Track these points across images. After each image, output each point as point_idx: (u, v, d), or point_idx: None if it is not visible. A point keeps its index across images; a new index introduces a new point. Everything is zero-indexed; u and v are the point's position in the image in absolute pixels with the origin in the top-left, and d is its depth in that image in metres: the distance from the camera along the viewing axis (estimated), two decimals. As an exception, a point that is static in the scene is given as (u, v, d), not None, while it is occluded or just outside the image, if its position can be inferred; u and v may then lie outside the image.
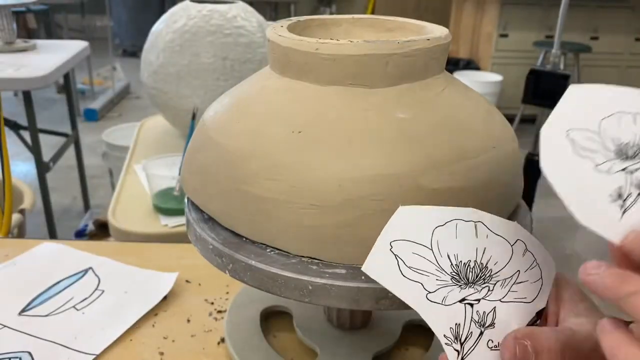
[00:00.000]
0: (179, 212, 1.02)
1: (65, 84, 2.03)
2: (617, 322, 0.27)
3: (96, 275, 0.68)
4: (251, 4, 1.48)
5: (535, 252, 0.32)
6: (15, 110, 3.16)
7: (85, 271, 0.68)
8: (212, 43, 1.20)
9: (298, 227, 0.39)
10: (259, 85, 0.46)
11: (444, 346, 0.30)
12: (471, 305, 0.30)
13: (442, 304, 0.30)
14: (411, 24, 0.50)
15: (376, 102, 0.41)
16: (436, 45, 0.43)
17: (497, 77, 3.37)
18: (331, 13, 5.08)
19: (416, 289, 0.31)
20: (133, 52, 4.89)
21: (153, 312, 0.61)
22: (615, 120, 0.28)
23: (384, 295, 0.38)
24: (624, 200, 0.27)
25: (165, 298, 0.63)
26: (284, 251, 0.41)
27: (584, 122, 0.28)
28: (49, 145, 1.99)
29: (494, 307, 0.30)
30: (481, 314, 0.30)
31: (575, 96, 0.28)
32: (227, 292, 0.65)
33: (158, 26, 1.28)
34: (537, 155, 1.71)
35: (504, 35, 3.43)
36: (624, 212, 0.27)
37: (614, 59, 3.53)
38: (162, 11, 1.85)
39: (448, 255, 0.30)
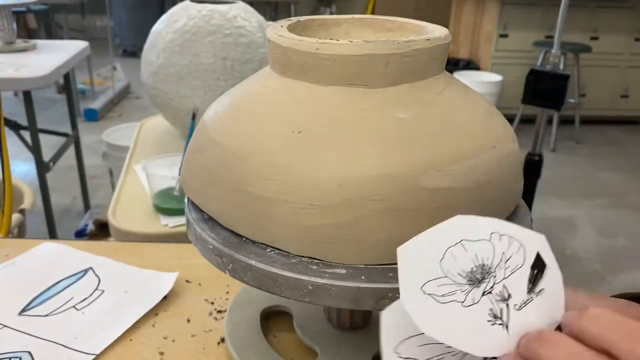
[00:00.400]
0: (179, 212, 1.02)
1: (66, 84, 2.03)
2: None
3: (96, 275, 0.68)
4: (251, 4, 1.48)
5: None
6: (15, 110, 3.17)
7: (86, 271, 0.68)
8: (212, 43, 1.20)
9: (298, 227, 0.39)
10: (259, 85, 0.46)
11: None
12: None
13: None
14: (411, 24, 0.50)
15: (376, 102, 0.41)
16: (436, 46, 0.43)
17: (497, 77, 3.37)
18: (331, 13, 5.08)
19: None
20: (133, 52, 4.90)
21: (153, 312, 0.62)
22: (450, 257, 0.29)
23: (384, 295, 0.38)
24: (501, 316, 0.29)
25: (165, 298, 0.63)
26: (284, 251, 0.41)
27: (428, 273, 0.29)
28: (49, 145, 2.00)
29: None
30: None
31: (407, 258, 0.29)
32: (227, 292, 0.65)
33: (158, 26, 1.28)
34: (537, 155, 1.71)
35: (504, 36, 3.44)
36: (507, 326, 0.29)
37: (613, 59, 3.53)
38: (162, 11, 1.85)
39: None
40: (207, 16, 1.21)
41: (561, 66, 2.99)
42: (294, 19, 0.50)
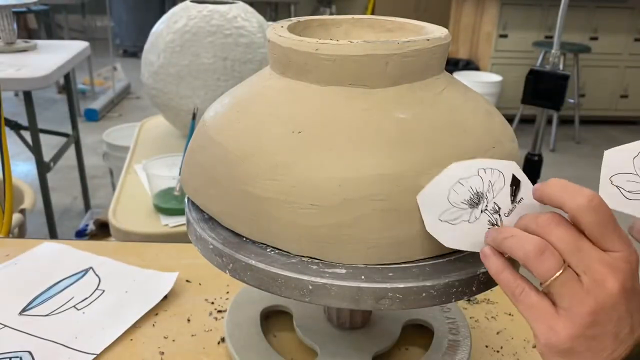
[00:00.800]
0: (180, 212, 1.02)
1: (66, 84, 2.03)
2: (494, 249, 0.37)
3: (96, 275, 0.68)
4: (251, 4, 1.48)
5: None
6: (16, 110, 3.17)
7: (86, 271, 0.68)
8: (213, 43, 1.20)
9: (298, 227, 0.39)
10: (259, 85, 0.46)
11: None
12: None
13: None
14: (411, 25, 0.50)
15: (376, 102, 0.41)
16: (436, 46, 0.43)
17: (497, 78, 3.37)
18: (331, 13, 5.08)
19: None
20: (133, 52, 4.90)
21: (153, 311, 0.62)
22: (453, 193, 0.38)
23: (384, 295, 0.38)
24: (496, 223, 0.39)
25: (165, 298, 0.63)
26: (284, 251, 0.41)
27: (441, 208, 0.38)
28: (49, 145, 2.00)
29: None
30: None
31: (424, 202, 0.38)
32: (228, 292, 0.66)
33: (158, 26, 1.28)
34: (537, 155, 1.71)
35: (504, 36, 3.44)
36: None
37: (613, 59, 3.53)
38: (163, 11, 1.86)
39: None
40: (207, 16, 1.22)
41: (561, 66, 2.99)
42: (294, 19, 0.50)
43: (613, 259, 0.33)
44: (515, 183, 0.39)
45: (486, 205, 0.38)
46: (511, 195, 0.39)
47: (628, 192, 0.38)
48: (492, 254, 0.37)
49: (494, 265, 0.36)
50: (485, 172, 0.38)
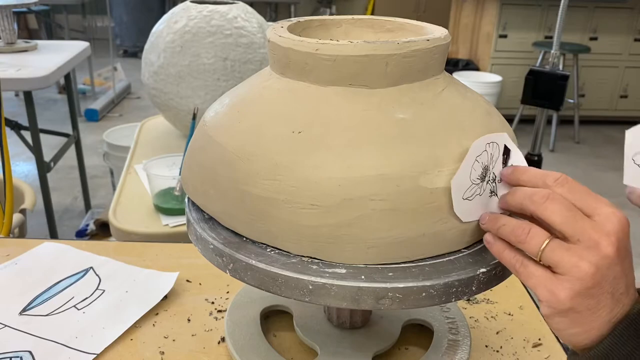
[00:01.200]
0: (180, 212, 1.02)
1: (66, 84, 2.03)
2: (494, 235, 0.40)
3: (97, 274, 0.68)
4: (251, 4, 1.48)
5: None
6: (16, 110, 3.17)
7: (86, 271, 0.68)
8: (213, 44, 1.20)
9: (298, 227, 0.40)
10: (259, 85, 0.47)
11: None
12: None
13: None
14: (411, 25, 0.50)
15: (376, 102, 0.42)
16: (436, 46, 0.43)
17: (496, 78, 3.37)
18: (331, 14, 5.08)
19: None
20: (134, 52, 4.90)
21: (154, 311, 0.62)
22: (473, 170, 0.41)
23: (384, 295, 0.38)
24: (495, 191, 0.42)
25: (165, 297, 0.63)
26: (284, 251, 0.41)
27: (465, 188, 0.41)
28: (49, 145, 2.00)
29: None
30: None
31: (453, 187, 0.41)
32: (228, 292, 0.66)
33: (159, 27, 1.28)
34: (537, 155, 1.71)
35: (503, 36, 3.43)
36: (497, 195, 0.42)
37: (612, 59, 3.53)
38: (163, 12, 1.86)
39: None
40: (207, 17, 1.22)
41: (560, 66, 2.99)
42: (294, 19, 0.50)
43: (604, 223, 0.36)
44: (506, 152, 0.42)
45: (490, 177, 0.41)
46: (503, 163, 0.42)
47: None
48: (492, 240, 0.40)
49: (495, 249, 0.40)
50: (490, 146, 0.41)
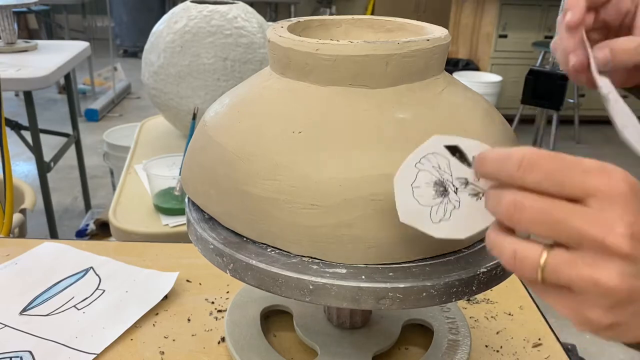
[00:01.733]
0: (180, 212, 1.02)
1: (66, 84, 2.03)
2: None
3: (97, 274, 0.68)
4: (251, 4, 1.48)
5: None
6: (16, 110, 3.17)
7: (86, 271, 0.68)
8: (213, 43, 1.20)
9: (298, 227, 0.40)
10: (259, 85, 0.47)
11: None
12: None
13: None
14: (411, 25, 0.50)
15: (376, 102, 0.42)
16: (436, 46, 0.43)
17: (496, 78, 3.37)
18: (331, 14, 5.08)
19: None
20: (134, 52, 4.90)
21: (154, 311, 0.62)
22: (421, 194, 0.36)
23: (384, 295, 0.38)
24: (478, 193, 0.35)
25: (165, 297, 0.63)
26: (285, 251, 0.41)
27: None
28: (50, 145, 2.00)
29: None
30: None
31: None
32: (228, 292, 0.66)
33: (159, 27, 1.28)
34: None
35: (503, 36, 3.43)
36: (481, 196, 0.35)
37: (614, 59, 3.52)
38: (163, 12, 1.86)
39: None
40: (207, 17, 1.22)
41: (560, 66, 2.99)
42: (294, 19, 0.50)
43: (601, 207, 0.27)
44: (453, 151, 0.36)
45: (454, 185, 0.35)
46: (462, 162, 0.35)
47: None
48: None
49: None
50: (429, 159, 0.36)
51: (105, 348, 0.56)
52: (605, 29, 0.45)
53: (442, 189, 0.36)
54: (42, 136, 1.73)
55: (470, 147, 0.35)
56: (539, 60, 3.22)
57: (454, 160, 0.35)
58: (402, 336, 0.56)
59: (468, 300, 0.66)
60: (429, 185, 0.36)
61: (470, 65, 3.64)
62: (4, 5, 1.71)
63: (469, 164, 0.35)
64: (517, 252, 0.29)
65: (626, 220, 0.26)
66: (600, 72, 0.41)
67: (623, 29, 0.44)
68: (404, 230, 0.39)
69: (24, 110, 1.63)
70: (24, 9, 3.84)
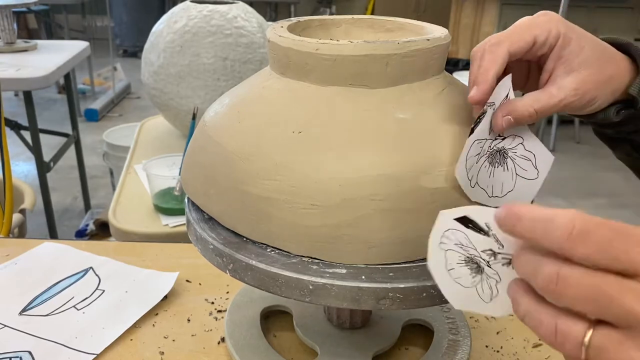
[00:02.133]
0: (180, 212, 1.02)
1: (66, 84, 2.03)
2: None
3: (97, 275, 0.68)
4: (251, 4, 1.48)
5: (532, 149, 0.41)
6: (16, 110, 3.17)
7: (86, 271, 0.68)
8: (213, 43, 1.20)
9: (298, 227, 0.39)
10: (259, 85, 0.47)
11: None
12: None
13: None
14: (411, 25, 0.50)
15: (376, 102, 0.41)
16: (436, 46, 0.43)
17: (497, 78, 3.36)
18: (331, 13, 5.08)
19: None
20: (134, 52, 4.90)
21: (153, 311, 0.62)
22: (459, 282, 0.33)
23: (384, 295, 0.38)
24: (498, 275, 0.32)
25: (165, 298, 0.63)
26: (285, 251, 0.41)
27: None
28: (49, 145, 2.00)
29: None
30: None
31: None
32: (228, 292, 0.66)
33: (158, 26, 1.28)
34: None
35: (504, 36, 3.43)
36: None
37: (614, 59, 3.53)
38: (163, 12, 1.86)
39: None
40: (207, 17, 1.22)
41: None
42: (294, 19, 0.50)
43: None
44: (465, 223, 0.31)
45: (486, 259, 0.32)
46: (478, 233, 0.31)
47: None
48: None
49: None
50: (445, 243, 0.32)
51: (105, 348, 0.55)
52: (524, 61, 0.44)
53: (475, 265, 0.32)
54: (42, 136, 1.73)
55: (481, 214, 0.31)
56: (539, 60, 3.22)
57: (470, 233, 0.32)
58: (402, 336, 0.56)
59: (468, 300, 0.65)
60: (462, 265, 0.33)
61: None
62: (3, 5, 1.71)
63: (485, 233, 0.31)
64: (558, 327, 0.26)
65: None
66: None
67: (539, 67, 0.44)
68: (404, 230, 0.39)
69: (24, 110, 1.63)
70: (24, 9, 3.84)
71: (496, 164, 0.42)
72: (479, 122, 0.40)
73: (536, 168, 0.43)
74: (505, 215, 0.28)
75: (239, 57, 1.21)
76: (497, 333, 0.60)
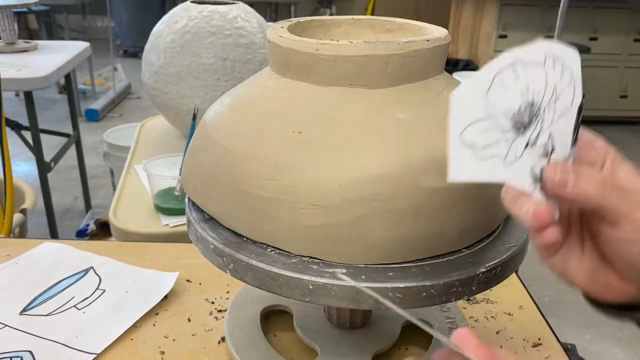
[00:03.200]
0: (180, 212, 1.02)
1: (67, 84, 2.03)
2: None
3: (97, 274, 0.68)
4: (251, 4, 1.48)
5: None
6: (16, 110, 3.17)
7: (86, 271, 0.68)
8: (213, 44, 1.20)
9: (298, 227, 0.40)
10: (259, 85, 0.47)
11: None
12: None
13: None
14: (410, 25, 0.50)
15: (376, 102, 0.42)
16: (436, 46, 0.43)
17: (497, 78, 3.36)
18: (331, 14, 5.08)
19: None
20: (134, 52, 4.90)
21: (154, 311, 0.62)
22: (499, 86, 0.26)
23: (384, 295, 0.38)
24: (540, 179, 0.28)
25: (166, 297, 0.64)
26: (285, 251, 0.41)
27: (470, 115, 0.28)
28: (50, 145, 2.00)
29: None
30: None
31: (457, 102, 0.29)
32: (228, 292, 0.66)
33: (159, 27, 1.28)
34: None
35: (503, 36, 3.43)
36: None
37: (612, 59, 3.53)
38: (163, 12, 1.86)
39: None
40: (207, 17, 1.22)
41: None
42: (294, 19, 0.50)
43: None
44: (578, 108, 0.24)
45: (537, 135, 0.26)
46: (575, 130, 0.25)
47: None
48: None
49: None
50: (554, 68, 0.25)
51: (105, 348, 0.56)
52: None
53: (526, 119, 0.27)
54: (43, 136, 1.73)
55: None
56: (539, 61, 3.21)
57: (572, 112, 0.25)
58: (402, 336, 0.56)
59: (468, 300, 0.66)
60: (523, 94, 0.28)
61: (470, 65, 3.64)
62: (4, 5, 1.71)
63: (575, 139, 0.25)
64: None
65: None
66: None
67: None
68: (404, 230, 0.39)
69: (24, 110, 1.63)
70: (24, 9, 3.84)
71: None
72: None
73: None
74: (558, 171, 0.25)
75: (239, 58, 1.21)
76: (497, 333, 0.60)
